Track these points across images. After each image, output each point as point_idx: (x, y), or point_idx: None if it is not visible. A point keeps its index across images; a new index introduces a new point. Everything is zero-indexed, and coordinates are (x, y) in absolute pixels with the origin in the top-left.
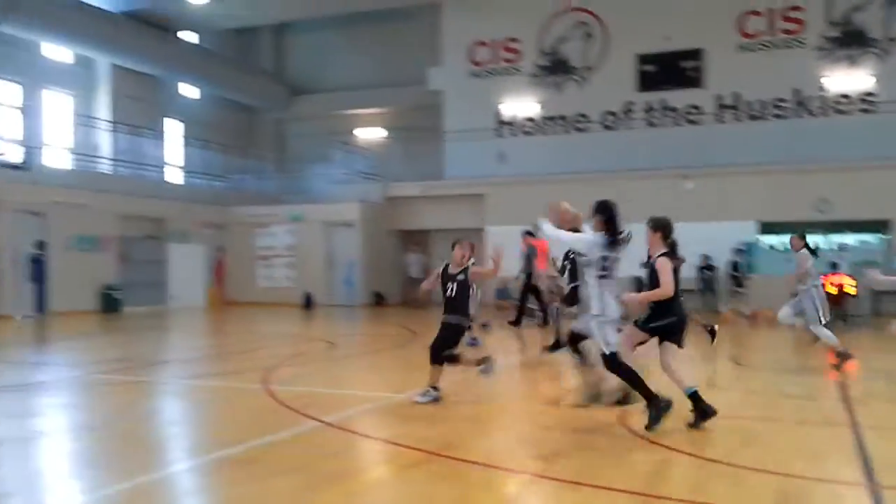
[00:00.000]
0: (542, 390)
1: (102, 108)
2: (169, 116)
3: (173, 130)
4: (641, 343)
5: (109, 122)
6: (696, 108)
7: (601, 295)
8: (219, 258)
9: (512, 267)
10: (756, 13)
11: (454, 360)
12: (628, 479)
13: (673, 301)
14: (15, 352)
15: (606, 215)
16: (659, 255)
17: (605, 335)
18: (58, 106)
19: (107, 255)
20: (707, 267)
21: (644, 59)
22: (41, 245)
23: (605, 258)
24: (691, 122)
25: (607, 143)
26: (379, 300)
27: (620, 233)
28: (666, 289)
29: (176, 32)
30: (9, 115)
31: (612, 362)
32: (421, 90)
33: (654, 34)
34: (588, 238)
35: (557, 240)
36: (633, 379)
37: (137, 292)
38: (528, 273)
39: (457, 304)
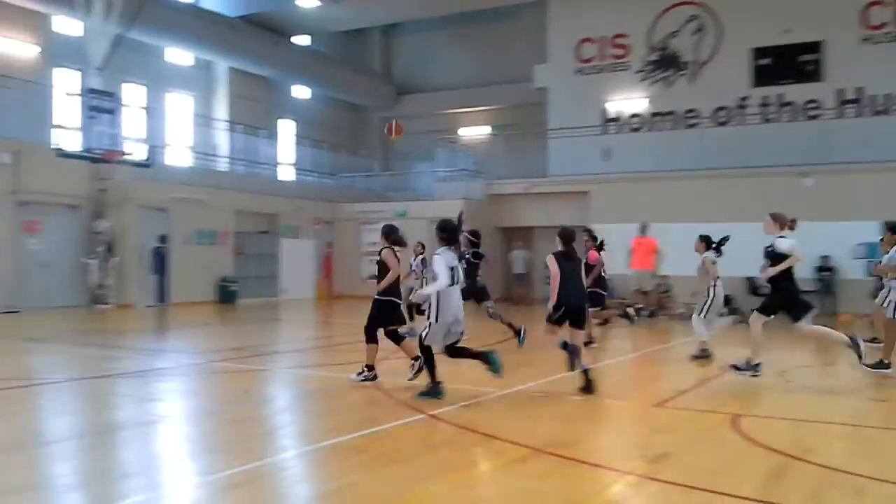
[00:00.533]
0: (651, 390)
1: (220, 108)
2: (282, 116)
3: (286, 130)
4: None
5: (226, 122)
6: (815, 102)
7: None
8: (327, 253)
9: (616, 265)
10: (880, 3)
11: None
12: (741, 485)
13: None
14: (138, 340)
15: (447, 233)
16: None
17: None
18: (179, 107)
19: (223, 249)
20: (825, 268)
21: (759, 52)
22: (163, 239)
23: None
24: (811, 117)
25: (719, 140)
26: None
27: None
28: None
29: (289, 36)
30: (135, 116)
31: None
32: (525, 88)
33: (770, 27)
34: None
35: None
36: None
37: (251, 285)
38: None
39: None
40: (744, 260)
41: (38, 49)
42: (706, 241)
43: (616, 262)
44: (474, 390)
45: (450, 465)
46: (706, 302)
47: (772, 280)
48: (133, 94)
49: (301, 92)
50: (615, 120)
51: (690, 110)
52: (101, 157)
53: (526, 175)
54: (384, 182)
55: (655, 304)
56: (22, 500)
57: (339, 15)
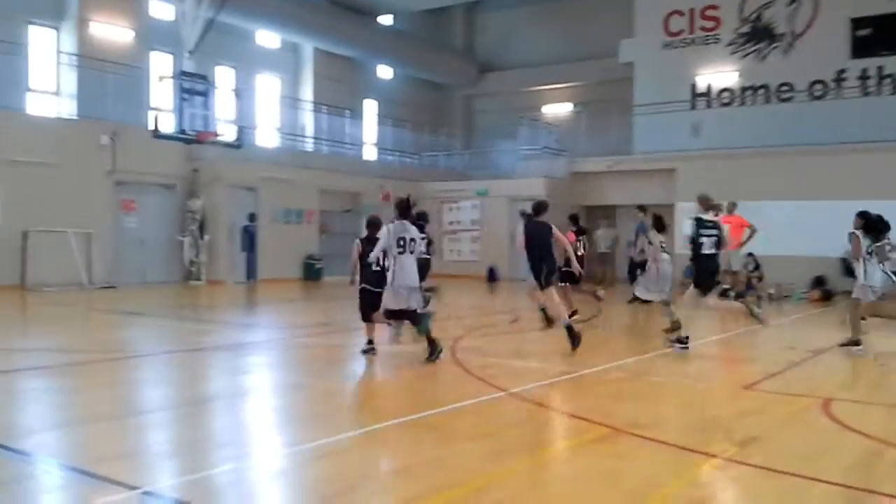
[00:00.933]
0: (739, 373)
1: (306, 89)
2: (366, 97)
3: (369, 109)
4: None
5: (312, 102)
6: None
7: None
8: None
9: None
10: None
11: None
12: (831, 471)
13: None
14: (228, 315)
15: (398, 210)
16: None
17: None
18: (267, 88)
19: (309, 228)
20: None
21: (859, 22)
22: (252, 217)
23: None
24: None
25: (815, 115)
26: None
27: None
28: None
29: (374, 16)
30: (225, 98)
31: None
32: (610, 64)
33: None
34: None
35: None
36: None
37: (335, 262)
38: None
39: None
40: (839, 239)
41: (133, 33)
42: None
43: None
44: (554, 369)
45: (529, 442)
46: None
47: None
48: (224, 77)
49: (384, 72)
50: (704, 95)
51: (784, 84)
52: (194, 138)
53: (610, 152)
54: (466, 161)
55: (744, 285)
56: (120, 466)
57: None
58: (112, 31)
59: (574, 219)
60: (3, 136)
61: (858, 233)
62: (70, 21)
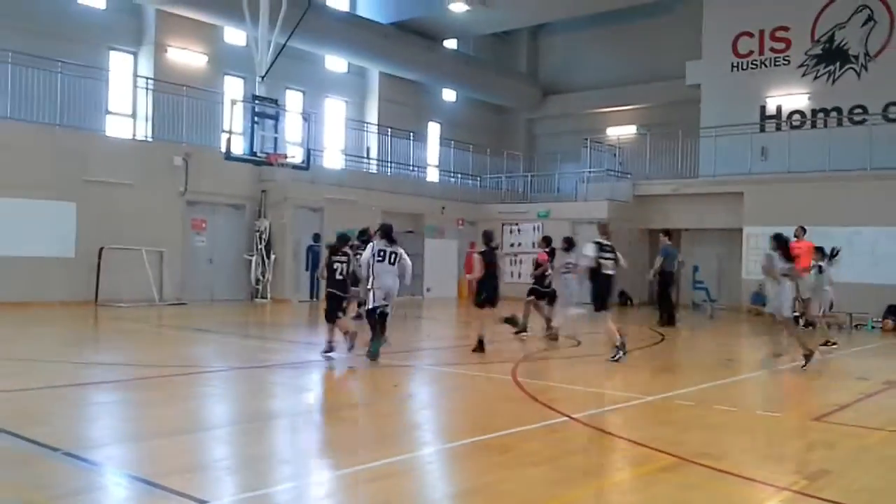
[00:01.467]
0: (809, 404)
1: (371, 112)
2: (430, 119)
3: (432, 132)
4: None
5: (377, 125)
6: None
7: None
8: (469, 253)
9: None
10: None
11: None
12: None
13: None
14: (292, 333)
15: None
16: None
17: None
18: (334, 111)
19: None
20: None
21: None
22: (317, 237)
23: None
24: None
25: (889, 138)
26: (624, 299)
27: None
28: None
29: (439, 40)
30: (294, 121)
31: None
32: (676, 86)
33: None
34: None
35: None
36: None
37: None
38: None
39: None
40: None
41: (207, 59)
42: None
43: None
44: (617, 395)
45: (593, 469)
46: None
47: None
48: (293, 100)
49: (448, 95)
50: (774, 117)
51: (857, 106)
52: (264, 160)
53: (675, 175)
54: (528, 183)
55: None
56: (185, 480)
57: (488, 18)
58: (187, 57)
59: (547, 240)
60: (82, 157)
61: (774, 254)
62: (148, 47)
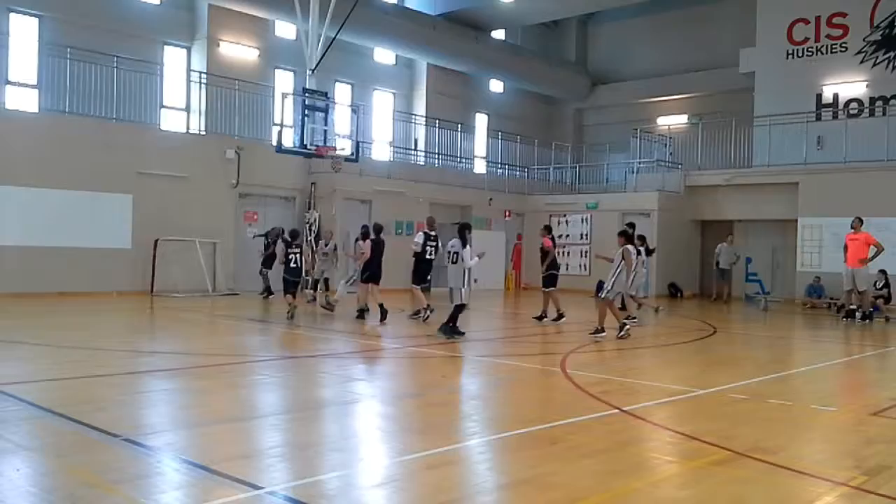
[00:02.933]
0: (866, 398)
1: (419, 104)
2: (477, 111)
3: (480, 123)
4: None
5: (425, 117)
6: None
7: None
8: (517, 245)
9: (829, 263)
10: None
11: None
12: None
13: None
14: (341, 323)
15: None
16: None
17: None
18: (382, 104)
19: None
20: None
21: None
22: (366, 229)
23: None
24: None
25: None
26: (674, 292)
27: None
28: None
29: (487, 31)
30: (343, 114)
31: None
32: (729, 74)
33: None
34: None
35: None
36: None
37: (444, 274)
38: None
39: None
40: None
41: (258, 52)
42: None
43: (828, 259)
44: (668, 388)
45: (646, 462)
46: None
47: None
48: (342, 93)
49: (496, 86)
50: (830, 106)
51: None
52: (314, 153)
53: (727, 165)
54: (576, 174)
55: (871, 305)
56: (241, 466)
57: (536, 7)
58: (239, 51)
59: (548, 228)
60: (137, 150)
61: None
62: (201, 41)
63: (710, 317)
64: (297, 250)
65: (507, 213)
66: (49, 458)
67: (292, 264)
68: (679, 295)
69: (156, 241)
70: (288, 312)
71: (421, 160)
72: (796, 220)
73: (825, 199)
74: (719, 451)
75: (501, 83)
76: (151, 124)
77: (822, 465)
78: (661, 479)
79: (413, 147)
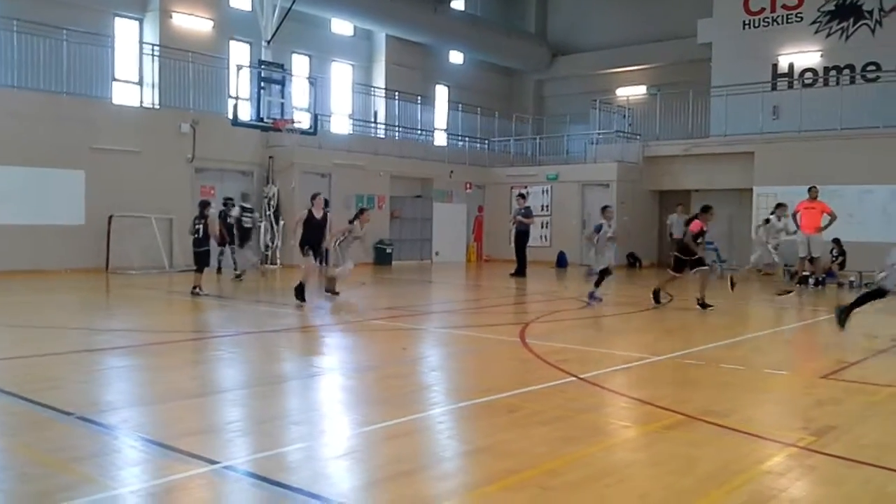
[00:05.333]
0: (817, 362)
1: (379, 76)
2: (437, 82)
3: (440, 95)
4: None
5: (384, 89)
6: None
7: None
8: (478, 217)
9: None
10: None
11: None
12: None
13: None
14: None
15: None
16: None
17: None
18: (340, 76)
19: (380, 213)
20: None
21: None
22: (325, 203)
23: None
24: None
25: None
26: (633, 262)
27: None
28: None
29: (446, 2)
30: (301, 86)
31: None
32: (687, 44)
33: None
34: None
35: None
36: None
37: (406, 247)
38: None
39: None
40: None
41: (213, 24)
42: None
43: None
44: (624, 355)
45: (601, 428)
46: None
47: None
48: (299, 65)
49: (455, 57)
50: (786, 75)
51: (871, 63)
52: (271, 126)
53: (685, 136)
54: (537, 146)
55: (824, 272)
56: (197, 442)
57: None
58: (193, 22)
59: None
60: (89, 125)
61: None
62: (153, 13)
63: (667, 285)
64: (202, 221)
65: (468, 186)
66: (0, 437)
67: (199, 234)
68: (638, 265)
69: (110, 218)
70: (194, 288)
71: (381, 133)
72: (752, 190)
73: (780, 168)
74: (672, 416)
75: (461, 54)
76: (103, 98)
77: (772, 427)
78: (614, 444)
79: (373, 120)
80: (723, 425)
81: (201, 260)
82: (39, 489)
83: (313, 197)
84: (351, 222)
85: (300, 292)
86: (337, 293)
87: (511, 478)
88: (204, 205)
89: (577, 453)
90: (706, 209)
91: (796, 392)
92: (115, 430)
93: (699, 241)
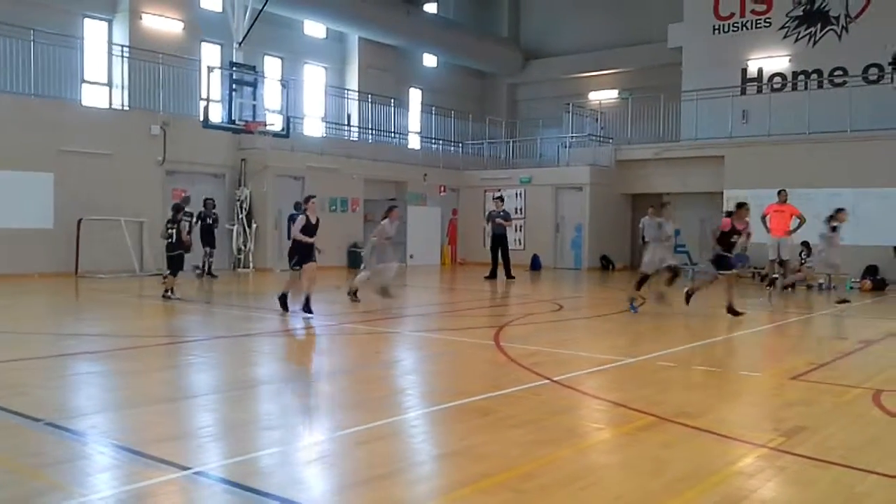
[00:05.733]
0: (787, 363)
1: (352, 79)
2: (411, 86)
3: (414, 98)
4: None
5: (357, 92)
6: None
7: None
8: (452, 220)
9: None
10: None
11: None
12: (882, 462)
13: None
14: (274, 302)
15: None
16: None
17: None
18: (314, 78)
19: (353, 216)
20: None
21: None
22: (298, 206)
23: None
24: None
25: (869, 100)
26: (606, 264)
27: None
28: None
29: (419, 4)
30: (273, 88)
31: None
32: (658, 49)
33: None
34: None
35: None
36: None
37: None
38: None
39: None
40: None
41: (183, 25)
42: None
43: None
44: (598, 358)
45: (574, 430)
46: None
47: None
48: (272, 67)
49: (429, 61)
50: (755, 80)
51: (838, 68)
52: (243, 128)
53: (657, 140)
54: (510, 149)
55: (794, 274)
56: (169, 447)
57: None
58: (163, 23)
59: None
60: (58, 127)
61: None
62: (122, 14)
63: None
64: (174, 226)
65: (441, 189)
66: None
67: (170, 240)
68: (611, 267)
69: (79, 221)
70: (166, 291)
71: (354, 136)
72: (722, 193)
73: (750, 171)
74: (645, 417)
75: (434, 57)
76: (72, 100)
77: (743, 429)
78: (587, 446)
79: (346, 122)
80: (695, 427)
81: (175, 264)
82: (8, 496)
83: (307, 200)
84: (381, 220)
85: (283, 301)
86: (357, 300)
87: (485, 481)
88: (177, 209)
89: (551, 456)
90: (740, 206)
91: (767, 393)
92: (85, 436)
93: (732, 240)
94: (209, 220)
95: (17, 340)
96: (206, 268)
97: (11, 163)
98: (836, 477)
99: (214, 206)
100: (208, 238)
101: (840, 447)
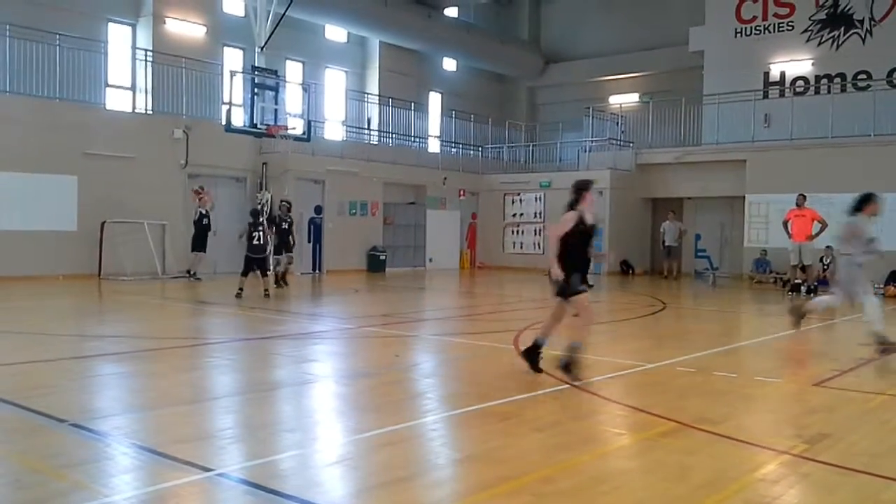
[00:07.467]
0: (810, 369)
1: (372, 83)
2: (431, 89)
3: (434, 102)
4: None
5: (377, 96)
6: None
7: None
8: (471, 224)
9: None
10: None
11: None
12: None
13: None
14: (295, 305)
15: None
16: None
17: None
18: (334, 82)
19: (373, 220)
20: None
21: None
22: (318, 210)
23: None
24: None
25: (894, 104)
26: (626, 269)
27: None
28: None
29: (440, 9)
30: (294, 92)
31: None
32: (679, 53)
33: None
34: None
35: None
36: None
37: (399, 254)
38: None
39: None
40: None
41: (206, 30)
42: None
43: (775, 235)
44: (618, 363)
45: (595, 435)
46: None
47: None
48: (293, 71)
49: (449, 65)
50: (777, 84)
51: (862, 72)
52: (264, 132)
53: (678, 144)
54: (530, 153)
55: (815, 279)
56: (191, 449)
57: None
58: (186, 28)
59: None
60: (82, 130)
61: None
62: (146, 18)
63: (660, 293)
64: (261, 229)
65: (461, 193)
66: None
67: (255, 241)
68: (630, 272)
69: (103, 224)
70: (265, 291)
71: (374, 139)
72: (744, 197)
73: (772, 176)
74: (666, 423)
75: (455, 61)
76: (96, 104)
77: (765, 435)
78: (608, 452)
79: (366, 126)
80: (716, 433)
81: (261, 265)
82: (33, 496)
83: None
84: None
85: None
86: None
87: (504, 485)
88: (256, 213)
89: (571, 461)
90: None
91: (789, 400)
92: (108, 437)
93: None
94: (284, 225)
95: (41, 342)
96: (282, 276)
97: (36, 165)
98: (859, 484)
99: (290, 209)
100: (284, 242)
101: (864, 454)
